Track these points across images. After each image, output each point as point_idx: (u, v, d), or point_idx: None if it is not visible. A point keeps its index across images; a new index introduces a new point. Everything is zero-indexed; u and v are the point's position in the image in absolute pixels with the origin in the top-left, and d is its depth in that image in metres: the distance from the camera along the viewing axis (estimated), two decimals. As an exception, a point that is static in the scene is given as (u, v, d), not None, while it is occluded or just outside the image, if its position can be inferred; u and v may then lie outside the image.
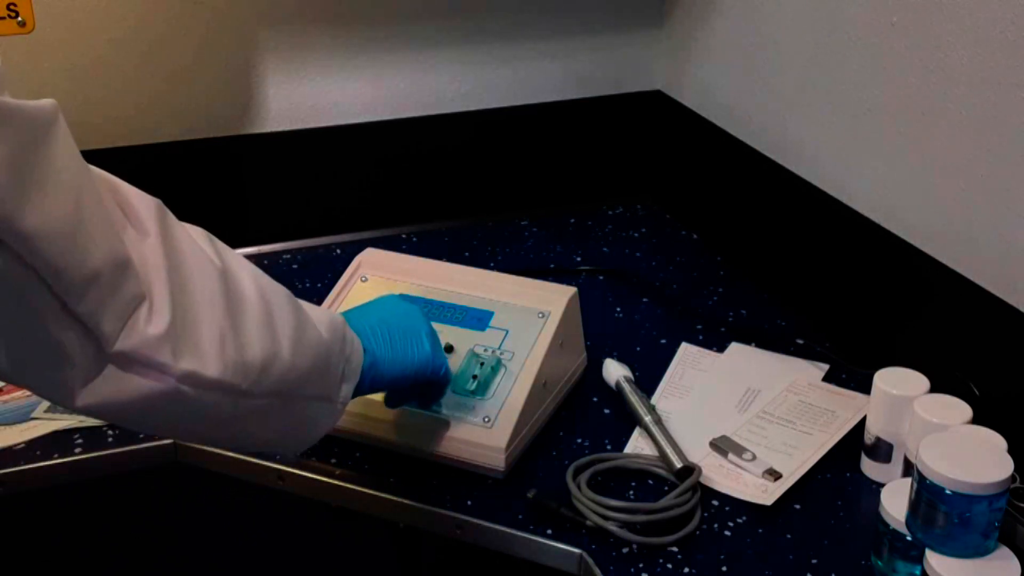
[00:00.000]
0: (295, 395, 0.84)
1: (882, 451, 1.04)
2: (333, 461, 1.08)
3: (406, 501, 1.03)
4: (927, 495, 0.86)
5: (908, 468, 1.00)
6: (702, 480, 1.03)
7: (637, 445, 1.10)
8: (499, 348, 1.11)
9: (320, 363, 0.86)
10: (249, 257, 1.48)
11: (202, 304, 0.75)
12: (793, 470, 1.05)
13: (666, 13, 1.60)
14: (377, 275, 1.21)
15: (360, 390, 0.94)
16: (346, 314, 0.97)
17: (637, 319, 1.34)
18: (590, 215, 1.62)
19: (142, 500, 1.25)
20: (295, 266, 1.47)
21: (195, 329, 0.74)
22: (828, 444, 1.09)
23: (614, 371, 1.17)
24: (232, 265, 0.81)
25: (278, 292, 0.84)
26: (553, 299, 1.14)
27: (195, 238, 0.79)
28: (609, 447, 1.10)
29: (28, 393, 1.17)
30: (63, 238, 0.66)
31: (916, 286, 1.15)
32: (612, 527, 0.97)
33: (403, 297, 1.09)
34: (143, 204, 0.76)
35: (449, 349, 1.11)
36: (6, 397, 1.17)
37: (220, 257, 0.79)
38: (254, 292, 0.80)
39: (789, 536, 0.99)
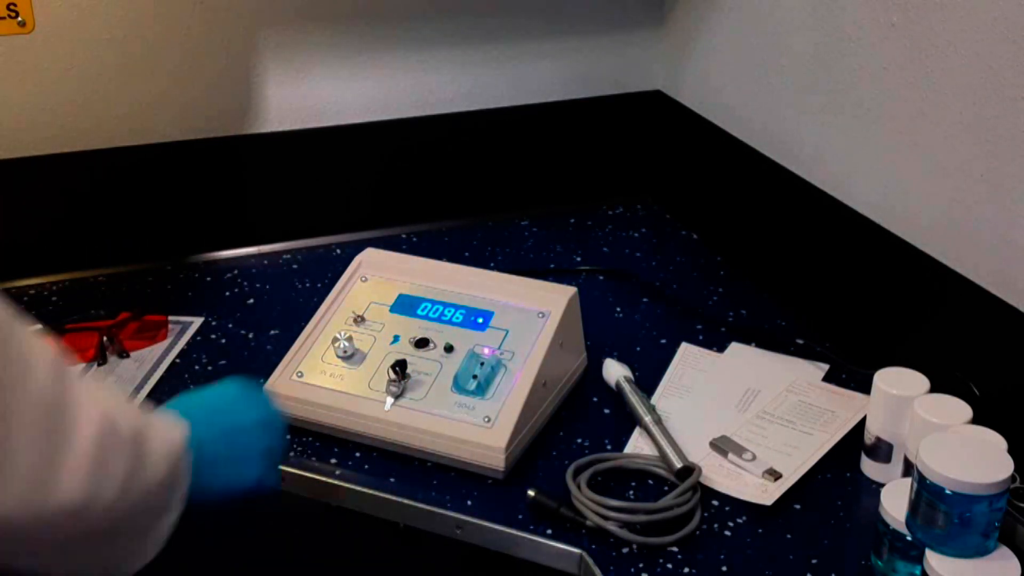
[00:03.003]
0: (107, 536, 0.80)
1: (882, 451, 1.04)
2: (333, 461, 1.08)
3: (406, 501, 1.03)
4: (927, 495, 0.86)
5: (908, 468, 1.00)
6: (702, 480, 1.03)
7: (637, 445, 1.10)
8: (499, 348, 1.11)
9: (144, 504, 0.81)
10: (249, 257, 1.50)
11: (15, 442, 0.70)
12: (793, 470, 1.05)
13: (666, 13, 1.60)
14: (377, 275, 1.21)
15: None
16: (187, 420, 0.88)
17: (637, 319, 1.34)
18: (590, 215, 1.62)
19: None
20: (295, 266, 1.47)
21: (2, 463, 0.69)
22: (828, 444, 1.09)
23: (614, 371, 1.17)
24: (76, 401, 0.75)
25: (123, 437, 0.78)
26: (553, 299, 1.14)
27: (39, 365, 0.73)
28: (609, 447, 1.10)
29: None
30: None
31: (916, 286, 1.15)
32: (612, 527, 0.97)
33: (250, 391, 0.99)
34: None
35: (449, 349, 1.12)
36: (6, 397, 1.17)
37: (62, 392, 0.74)
38: (90, 434, 0.74)
39: (789, 536, 0.99)
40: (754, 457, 1.06)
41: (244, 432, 0.94)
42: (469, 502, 1.03)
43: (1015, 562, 0.87)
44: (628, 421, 1.13)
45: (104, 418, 0.77)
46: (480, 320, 1.14)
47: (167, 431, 0.85)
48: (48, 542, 0.76)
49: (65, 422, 0.73)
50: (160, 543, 0.86)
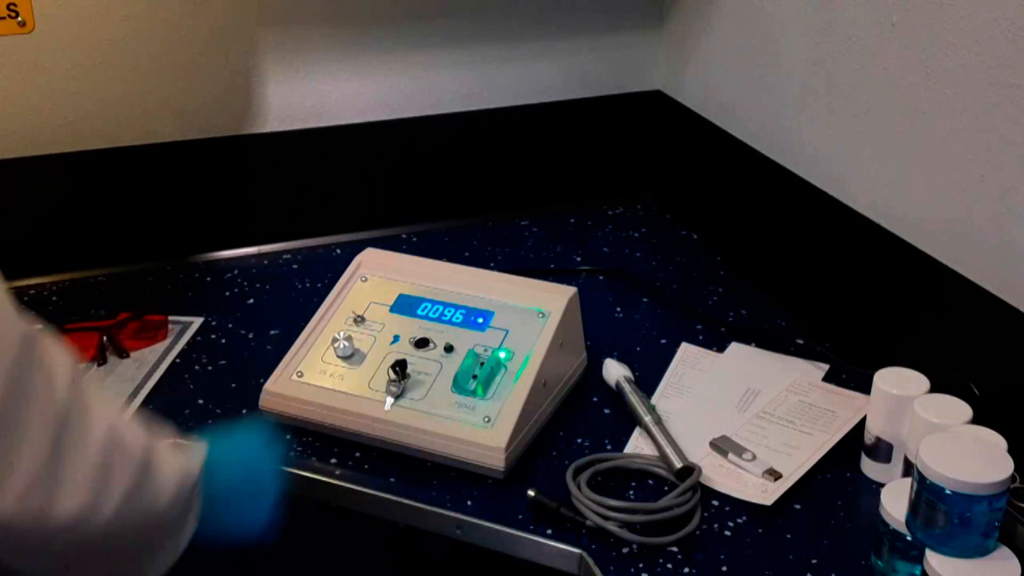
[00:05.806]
0: (107, 552, 0.79)
1: (882, 451, 1.04)
2: (333, 461, 1.08)
3: (406, 501, 1.03)
4: (927, 495, 0.86)
5: (908, 468, 1.00)
6: (702, 480, 1.03)
7: (637, 445, 1.10)
8: (499, 348, 1.11)
9: (145, 525, 0.81)
10: (249, 257, 1.50)
11: (24, 445, 0.70)
12: (793, 470, 1.05)
13: (666, 13, 1.60)
14: (377, 275, 1.21)
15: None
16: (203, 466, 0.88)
17: (637, 319, 1.34)
18: (590, 215, 1.62)
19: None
20: (295, 266, 1.47)
21: (3, 468, 0.69)
22: (828, 444, 1.09)
23: (614, 371, 1.17)
24: (88, 412, 0.75)
25: (129, 452, 0.78)
26: (553, 299, 1.14)
27: (60, 373, 0.73)
28: (609, 447, 1.10)
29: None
30: None
31: (916, 286, 1.15)
32: (612, 527, 0.97)
33: (270, 443, 1.00)
34: (7, 330, 0.70)
35: (449, 349, 1.12)
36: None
37: (76, 400, 0.74)
38: (97, 445, 0.75)
39: (789, 536, 0.99)
40: (754, 457, 1.06)
41: (260, 479, 0.95)
42: (469, 502, 1.03)
43: (1015, 562, 0.87)
44: (628, 421, 1.13)
45: (113, 431, 0.77)
46: (480, 320, 1.14)
47: (180, 459, 0.85)
48: (46, 551, 0.75)
49: (76, 431, 0.73)
50: (166, 565, 0.85)
